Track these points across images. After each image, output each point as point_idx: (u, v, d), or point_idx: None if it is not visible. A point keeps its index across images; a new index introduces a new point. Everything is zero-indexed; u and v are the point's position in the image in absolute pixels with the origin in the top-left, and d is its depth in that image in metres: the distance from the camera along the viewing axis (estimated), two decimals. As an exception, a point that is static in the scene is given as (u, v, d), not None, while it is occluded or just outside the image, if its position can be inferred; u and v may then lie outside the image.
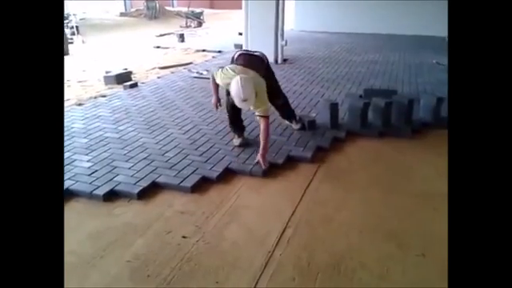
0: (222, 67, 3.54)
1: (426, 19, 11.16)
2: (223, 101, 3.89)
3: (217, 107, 3.95)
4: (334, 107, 4.22)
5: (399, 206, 2.92)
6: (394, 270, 2.26)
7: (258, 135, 3.46)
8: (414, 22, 11.36)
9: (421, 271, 2.26)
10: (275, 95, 3.90)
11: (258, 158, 3.39)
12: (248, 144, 3.78)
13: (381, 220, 2.74)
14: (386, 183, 3.24)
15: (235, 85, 3.20)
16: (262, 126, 3.38)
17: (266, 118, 3.37)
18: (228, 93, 3.49)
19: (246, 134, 3.93)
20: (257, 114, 3.40)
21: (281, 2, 7.38)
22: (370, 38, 10.67)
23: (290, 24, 12.19)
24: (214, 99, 3.91)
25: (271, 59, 7.63)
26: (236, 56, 3.74)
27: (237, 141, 3.81)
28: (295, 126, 4.15)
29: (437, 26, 10.62)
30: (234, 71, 3.39)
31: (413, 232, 2.61)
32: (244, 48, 7.88)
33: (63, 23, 9.04)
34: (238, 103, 3.30)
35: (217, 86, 3.71)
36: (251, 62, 3.61)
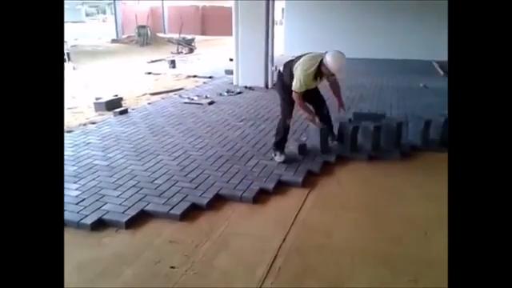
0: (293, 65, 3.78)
1: (413, 44, 11.45)
2: (279, 118, 4.16)
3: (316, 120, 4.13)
4: (324, 131, 4.24)
5: (390, 230, 2.91)
6: (386, 297, 2.23)
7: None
8: (402, 46, 11.63)
9: (413, 298, 2.24)
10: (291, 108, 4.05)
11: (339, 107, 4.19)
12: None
13: (372, 245, 2.72)
14: (377, 207, 3.24)
15: (332, 57, 3.53)
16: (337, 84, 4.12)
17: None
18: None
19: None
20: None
21: (270, 28, 7.52)
22: (359, 63, 10.84)
23: (280, 49, 12.38)
24: (312, 116, 4.04)
25: (262, 84, 7.73)
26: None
27: (280, 157, 3.96)
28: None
29: (424, 50, 10.89)
30: (308, 55, 3.75)
31: (404, 257, 2.59)
32: (234, 73, 7.98)
33: (63, 50, 9.07)
34: (337, 73, 3.69)
35: (304, 99, 3.88)
36: None
